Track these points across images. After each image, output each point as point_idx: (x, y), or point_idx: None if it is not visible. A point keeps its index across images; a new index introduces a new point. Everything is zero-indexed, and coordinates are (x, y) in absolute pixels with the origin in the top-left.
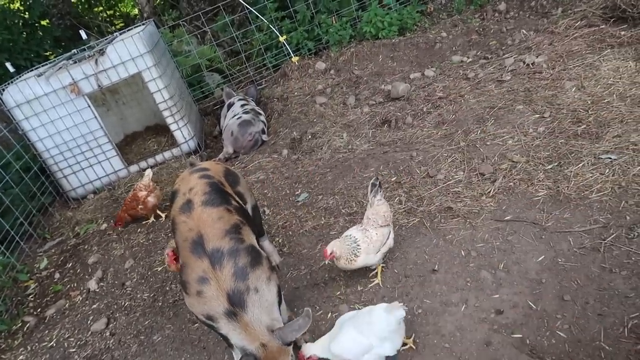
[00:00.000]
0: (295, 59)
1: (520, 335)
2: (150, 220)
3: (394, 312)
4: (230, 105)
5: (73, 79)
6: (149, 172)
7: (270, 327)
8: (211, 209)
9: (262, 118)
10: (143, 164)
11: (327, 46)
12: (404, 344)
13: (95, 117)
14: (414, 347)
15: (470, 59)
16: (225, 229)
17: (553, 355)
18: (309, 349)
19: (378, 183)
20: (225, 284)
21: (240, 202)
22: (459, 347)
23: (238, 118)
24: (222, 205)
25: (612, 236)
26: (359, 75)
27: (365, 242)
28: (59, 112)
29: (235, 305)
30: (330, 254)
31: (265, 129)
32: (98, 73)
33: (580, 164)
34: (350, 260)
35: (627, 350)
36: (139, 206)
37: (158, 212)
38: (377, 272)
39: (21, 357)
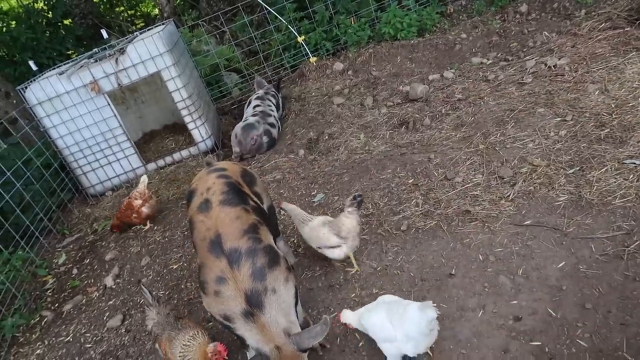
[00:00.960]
0: (313, 59)
1: (539, 343)
2: (147, 227)
3: (426, 311)
4: (249, 103)
5: (94, 78)
6: (144, 179)
7: (286, 329)
8: (229, 208)
9: (271, 119)
10: (161, 162)
11: (345, 47)
12: None
13: (115, 115)
14: (431, 354)
15: (490, 61)
16: (243, 228)
17: None
18: (346, 315)
19: (359, 200)
20: (243, 284)
21: (258, 202)
22: (476, 353)
23: (244, 121)
24: (240, 205)
25: (636, 243)
26: (377, 76)
27: (315, 229)
28: (80, 110)
29: (253, 305)
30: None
31: (273, 129)
32: (118, 72)
33: (603, 169)
34: (300, 223)
35: None
36: (133, 215)
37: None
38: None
39: (38, 351)
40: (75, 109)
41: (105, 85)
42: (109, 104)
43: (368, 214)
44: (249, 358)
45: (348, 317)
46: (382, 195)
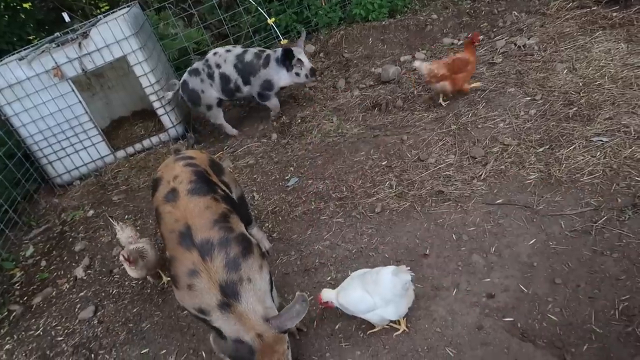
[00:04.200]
0: (284, 42)
1: (512, 319)
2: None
3: (400, 275)
4: None
5: (56, 63)
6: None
7: (264, 316)
8: (198, 198)
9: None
10: (130, 150)
11: (316, 29)
12: (398, 329)
13: (80, 101)
14: (408, 330)
15: (461, 42)
16: (214, 218)
17: (544, 339)
18: (327, 295)
19: None
20: (217, 276)
21: (227, 190)
22: (450, 331)
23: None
24: (209, 194)
25: (604, 219)
26: (349, 59)
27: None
28: (42, 97)
29: (229, 296)
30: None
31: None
32: (82, 57)
33: (572, 147)
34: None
35: (617, 332)
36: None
37: None
38: None
39: (7, 346)
40: (38, 96)
41: (68, 70)
42: (73, 90)
43: (342, 197)
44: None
45: (329, 295)
46: (355, 178)
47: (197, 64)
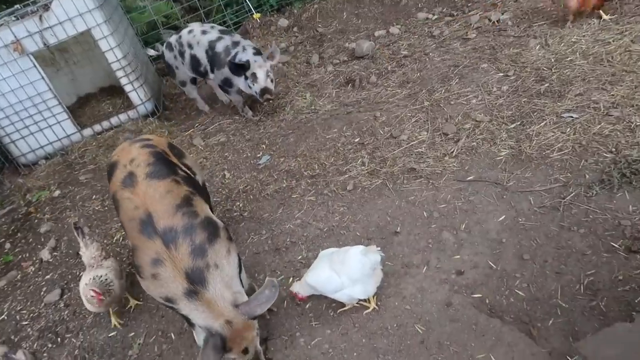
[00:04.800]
0: (256, 15)
1: (480, 295)
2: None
3: (369, 255)
4: None
5: (15, 37)
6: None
7: (233, 302)
8: (157, 182)
9: None
10: (97, 127)
11: (290, 2)
12: (368, 307)
13: (43, 77)
14: (377, 308)
15: (435, 16)
16: (176, 203)
17: (511, 314)
18: (295, 287)
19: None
20: (182, 263)
21: (188, 172)
22: (420, 308)
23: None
24: (169, 176)
25: (572, 195)
26: (323, 33)
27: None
28: (3, 73)
29: (195, 283)
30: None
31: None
32: (43, 30)
33: (543, 123)
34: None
35: (582, 306)
36: None
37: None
38: None
39: None
40: None
41: (29, 45)
42: (35, 66)
43: (314, 174)
44: (196, 338)
45: (296, 287)
46: (328, 156)
47: (172, 39)
